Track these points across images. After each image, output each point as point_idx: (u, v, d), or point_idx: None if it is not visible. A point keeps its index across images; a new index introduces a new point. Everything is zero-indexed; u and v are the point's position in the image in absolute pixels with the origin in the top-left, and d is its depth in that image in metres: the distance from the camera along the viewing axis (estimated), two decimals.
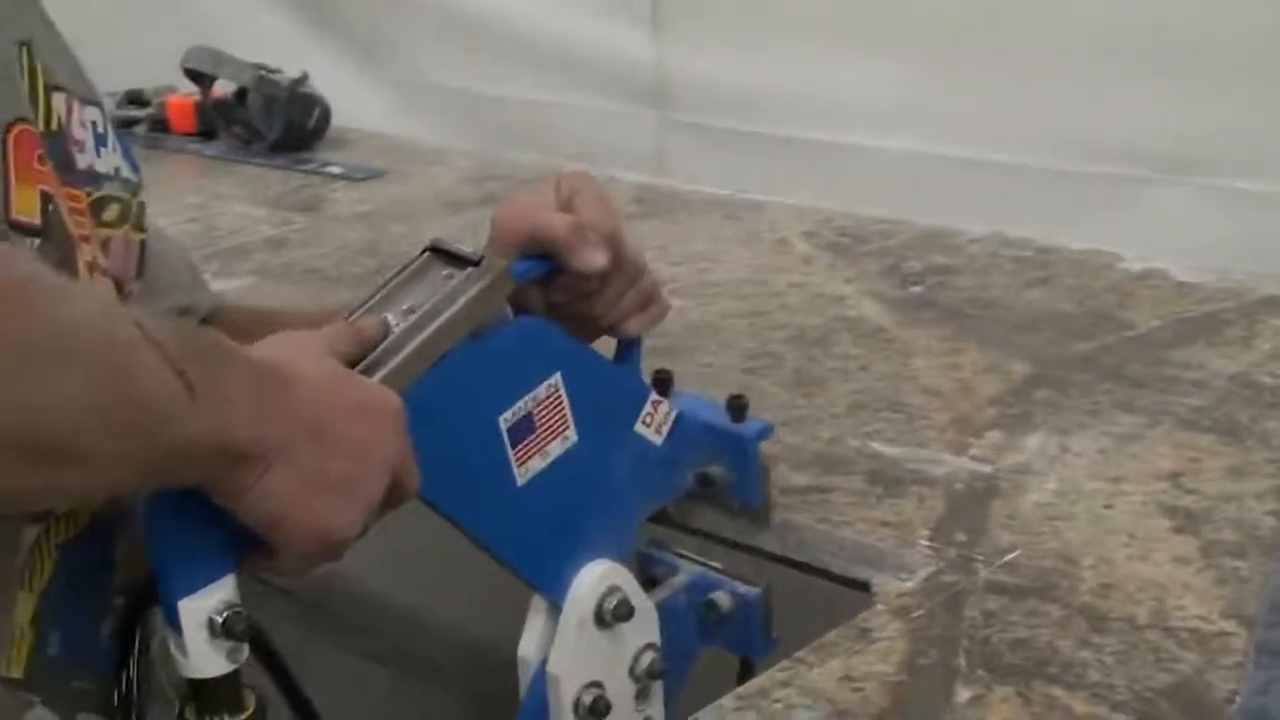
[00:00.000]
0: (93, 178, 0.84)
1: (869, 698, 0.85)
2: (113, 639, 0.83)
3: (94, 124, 0.86)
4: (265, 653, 0.86)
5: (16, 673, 0.77)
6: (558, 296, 0.92)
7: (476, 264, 0.87)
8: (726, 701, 0.86)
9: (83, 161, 0.84)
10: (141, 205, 0.89)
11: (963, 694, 0.85)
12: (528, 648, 0.93)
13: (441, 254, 0.88)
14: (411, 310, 0.85)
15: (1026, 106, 1.69)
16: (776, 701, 0.85)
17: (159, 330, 0.67)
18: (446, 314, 0.84)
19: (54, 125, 0.81)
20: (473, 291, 0.86)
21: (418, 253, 0.89)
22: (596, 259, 0.89)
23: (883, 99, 1.83)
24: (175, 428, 0.66)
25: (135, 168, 0.90)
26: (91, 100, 0.86)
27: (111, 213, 0.86)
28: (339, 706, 1.00)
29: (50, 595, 0.79)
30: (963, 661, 0.88)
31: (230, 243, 1.76)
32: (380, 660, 1.72)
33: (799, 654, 0.90)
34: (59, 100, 0.82)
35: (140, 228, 0.89)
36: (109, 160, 0.87)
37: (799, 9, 1.89)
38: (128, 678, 0.82)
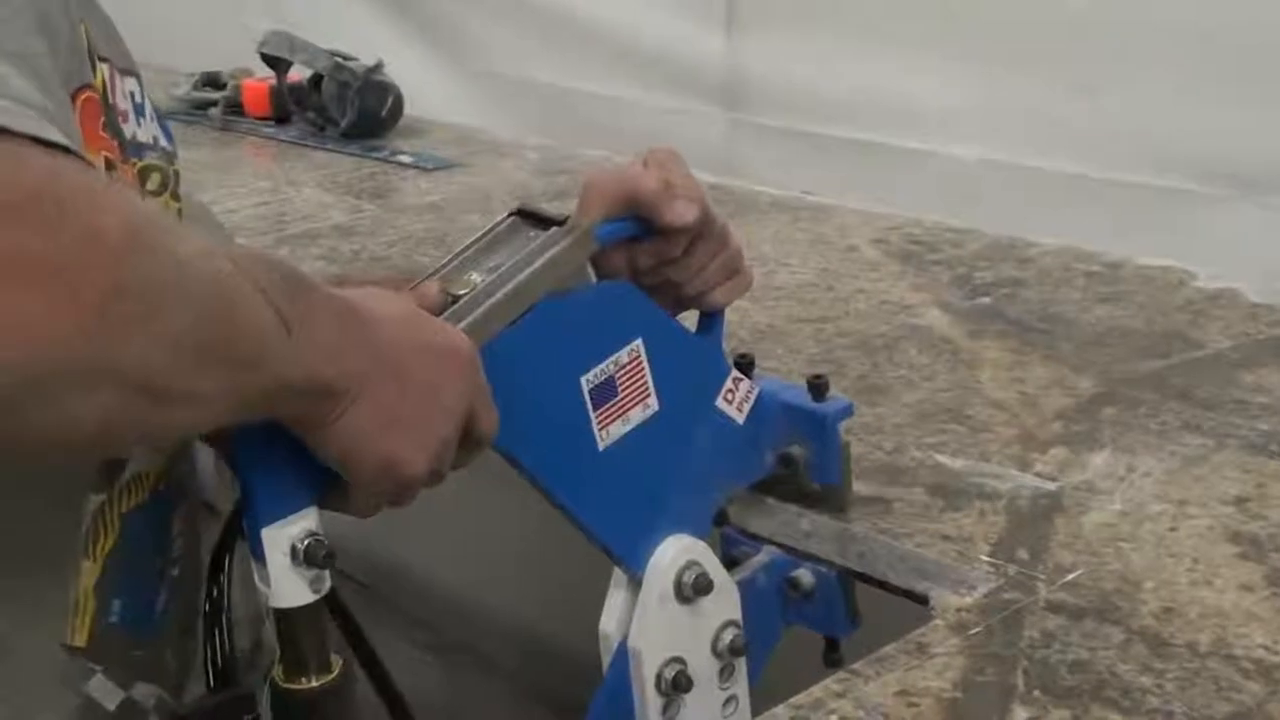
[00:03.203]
0: (136, 147, 0.85)
1: (924, 714, 0.85)
2: (168, 610, 0.83)
3: (132, 94, 0.85)
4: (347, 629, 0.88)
5: (80, 641, 0.79)
6: (644, 262, 0.92)
7: (561, 224, 0.88)
8: (780, 711, 0.86)
9: (126, 131, 0.84)
10: (177, 174, 0.89)
11: (1019, 714, 0.84)
12: (608, 623, 0.93)
13: (528, 216, 0.89)
14: (495, 269, 0.85)
15: (1103, 118, 1.68)
16: (831, 713, 0.85)
17: (249, 263, 0.66)
18: (529, 270, 0.85)
19: (104, 97, 0.81)
20: (556, 249, 0.86)
21: (504, 215, 0.90)
22: (687, 212, 0.90)
23: (957, 105, 1.81)
24: (273, 364, 0.66)
25: (170, 137, 0.90)
26: (130, 70, 0.86)
27: (154, 182, 0.86)
28: None
29: (112, 564, 0.80)
30: (1020, 681, 0.87)
31: (299, 228, 1.77)
32: (434, 651, 1.73)
33: (855, 666, 0.90)
34: (104, 70, 0.81)
35: (176, 196, 0.89)
36: (148, 130, 0.87)
37: (874, 12, 1.88)
38: (212, 607, 0.84)
